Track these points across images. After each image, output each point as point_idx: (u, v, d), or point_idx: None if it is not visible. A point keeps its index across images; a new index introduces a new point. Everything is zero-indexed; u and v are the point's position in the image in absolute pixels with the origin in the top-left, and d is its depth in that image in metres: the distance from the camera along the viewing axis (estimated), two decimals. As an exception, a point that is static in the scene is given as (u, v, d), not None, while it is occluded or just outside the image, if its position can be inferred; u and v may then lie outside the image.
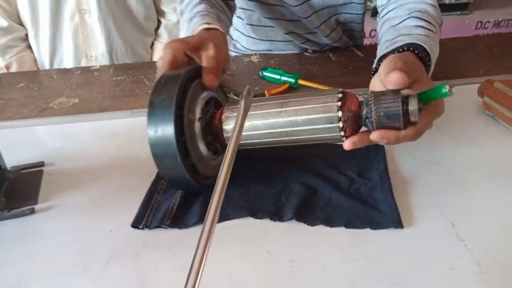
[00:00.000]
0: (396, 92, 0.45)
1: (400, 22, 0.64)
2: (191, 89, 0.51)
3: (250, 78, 0.86)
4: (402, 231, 0.48)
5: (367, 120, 0.47)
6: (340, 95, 0.48)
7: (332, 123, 0.47)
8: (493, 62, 0.88)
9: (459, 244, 0.46)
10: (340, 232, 0.48)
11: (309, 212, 0.51)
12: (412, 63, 0.52)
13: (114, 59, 1.12)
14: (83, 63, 1.10)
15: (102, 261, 0.45)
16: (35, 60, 1.11)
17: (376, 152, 0.60)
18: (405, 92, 0.45)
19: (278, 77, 0.82)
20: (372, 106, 0.45)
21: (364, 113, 0.47)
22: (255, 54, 0.95)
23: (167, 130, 0.47)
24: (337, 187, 0.55)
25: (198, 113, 0.51)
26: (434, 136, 0.63)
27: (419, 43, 0.56)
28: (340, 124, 0.47)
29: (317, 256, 0.45)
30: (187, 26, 0.68)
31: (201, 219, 0.50)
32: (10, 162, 0.59)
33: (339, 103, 0.47)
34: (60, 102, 0.78)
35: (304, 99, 0.50)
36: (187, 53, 0.56)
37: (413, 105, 0.44)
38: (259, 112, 0.51)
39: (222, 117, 0.52)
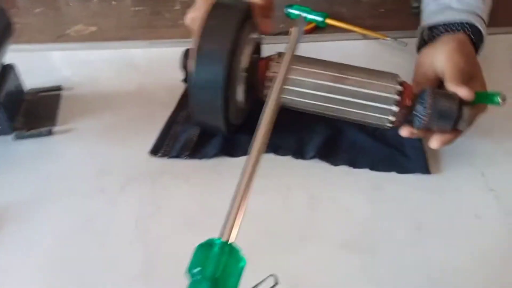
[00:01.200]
0: (454, 96, 0.44)
1: None
2: (244, 30, 0.46)
3: (275, 14, 0.81)
4: (429, 177, 0.47)
5: (417, 117, 0.45)
6: (400, 87, 0.45)
7: (385, 115, 0.46)
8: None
9: (489, 193, 0.45)
10: (364, 174, 0.47)
11: (333, 152, 0.49)
12: (471, 57, 0.50)
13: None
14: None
15: (118, 184, 0.45)
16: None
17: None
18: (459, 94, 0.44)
19: (304, 15, 0.78)
20: (428, 107, 0.43)
21: (416, 110, 0.45)
22: (281, -9, 0.89)
23: (215, 87, 0.43)
24: (362, 129, 0.52)
25: (244, 62, 0.47)
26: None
27: (474, 23, 0.52)
28: (392, 118, 0.46)
29: (338, 195, 0.44)
30: None
31: (221, 151, 0.49)
32: (28, 85, 0.57)
33: (398, 97, 0.45)
34: (77, 30, 0.75)
35: (364, 80, 0.46)
36: None
37: (465, 115, 0.44)
38: (314, 70, 0.47)
39: (267, 74, 0.48)
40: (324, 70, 0.47)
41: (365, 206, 0.43)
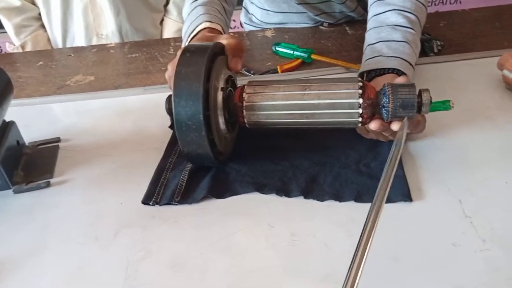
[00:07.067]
0: (411, 85, 0.49)
1: (383, 13, 0.65)
2: (215, 66, 0.51)
3: (264, 53, 0.85)
4: (406, 206, 0.48)
5: (383, 109, 0.49)
6: (360, 83, 0.50)
7: (352, 108, 0.50)
8: (520, 34, 0.84)
9: (465, 220, 0.46)
10: (343, 207, 0.49)
11: (317, 188, 0.51)
12: None
13: (124, 37, 1.13)
14: (94, 42, 1.12)
15: (111, 231, 0.47)
16: (49, 39, 1.13)
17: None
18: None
19: (291, 52, 0.81)
20: (390, 96, 0.48)
21: (381, 102, 0.49)
22: (269, 29, 0.94)
23: (194, 102, 0.47)
24: (346, 163, 0.55)
25: (221, 83, 0.52)
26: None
27: (401, 69, 0.58)
28: (360, 110, 0.50)
29: (318, 230, 0.46)
30: (189, 21, 0.69)
31: (209, 193, 0.51)
32: (29, 138, 0.61)
33: (360, 91, 0.50)
34: (76, 80, 0.80)
35: (327, 84, 0.51)
36: None
37: (426, 97, 0.48)
38: (281, 93, 0.52)
39: (244, 96, 0.52)
40: (291, 83, 0.53)
41: (343, 240, 0.44)
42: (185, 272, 0.43)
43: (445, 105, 0.51)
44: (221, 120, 0.52)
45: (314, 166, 0.54)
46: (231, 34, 0.61)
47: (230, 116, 0.53)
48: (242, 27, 1.08)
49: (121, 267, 0.43)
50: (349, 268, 0.32)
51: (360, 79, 0.52)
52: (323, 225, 0.47)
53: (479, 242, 0.43)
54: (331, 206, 0.49)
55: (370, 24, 0.67)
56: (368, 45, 0.64)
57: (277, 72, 0.78)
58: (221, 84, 0.52)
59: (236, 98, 0.53)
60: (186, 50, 0.51)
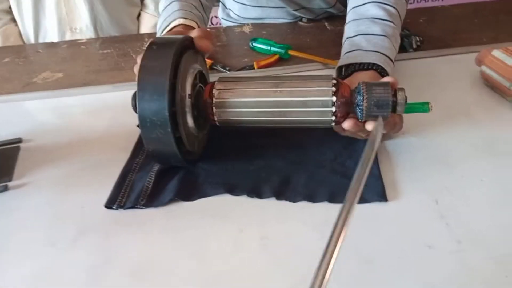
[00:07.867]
0: (386, 83, 0.47)
1: (362, 5, 0.64)
2: (183, 61, 0.49)
3: (240, 49, 0.83)
4: (383, 206, 0.46)
5: (358, 108, 0.48)
6: (334, 81, 0.49)
7: (325, 107, 0.48)
8: (499, 29, 0.84)
9: (440, 221, 0.44)
10: (318, 208, 0.47)
11: (290, 188, 0.49)
12: None
13: (99, 31, 1.09)
14: (68, 36, 1.08)
15: (71, 236, 0.45)
16: (20, 34, 1.09)
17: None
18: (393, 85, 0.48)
19: (268, 48, 0.79)
20: (364, 94, 0.46)
21: (356, 100, 0.48)
22: (247, 25, 0.91)
23: (159, 97, 0.45)
24: (320, 161, 0.53)
25: (188, 89, 0.49)
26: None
27: (378, 63, 0.57)
28: (333, 109, 0.48)
29: (290, 233, 0.44)
30: (163, 16, 0.68)
31: (177, 196, 0.48)
32: (-11, 138, 0.58)
33: (334, 89, 0.48)
34: (44, 77, 0.76)
35: (300, 81, 0.50)
36: None
37: (401, 97, 0.47)
38: (252, 89, 0.50)
39: (214, 92, 0.50)
40: (264, 80, 0.51)
41: (316, 242, 0.42)
42: (149, 279, 0.40)
43: (424, 107, 0.50)
44: (189, 117, 0.49)
45: (289, 165, 0.53)
46: (204, 28, 0.59)
47: (199, 113, 0.51)
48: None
49: (80, 274, 0.41)
50: (316, 271, 0.30)
51: (334, 76, 0.50)
52: (296, 227, 0.45)
53: (454, 243, 0.42)
54: (305, 207, 0.47)
55: (349, 16, 0.65)
56: (347, 38, 0.62)
57: (254, 68, 0.76)
58: (190, 79, 0.50)
59: (206, 94, 0.51)
60: (153, 43, 0.48)
